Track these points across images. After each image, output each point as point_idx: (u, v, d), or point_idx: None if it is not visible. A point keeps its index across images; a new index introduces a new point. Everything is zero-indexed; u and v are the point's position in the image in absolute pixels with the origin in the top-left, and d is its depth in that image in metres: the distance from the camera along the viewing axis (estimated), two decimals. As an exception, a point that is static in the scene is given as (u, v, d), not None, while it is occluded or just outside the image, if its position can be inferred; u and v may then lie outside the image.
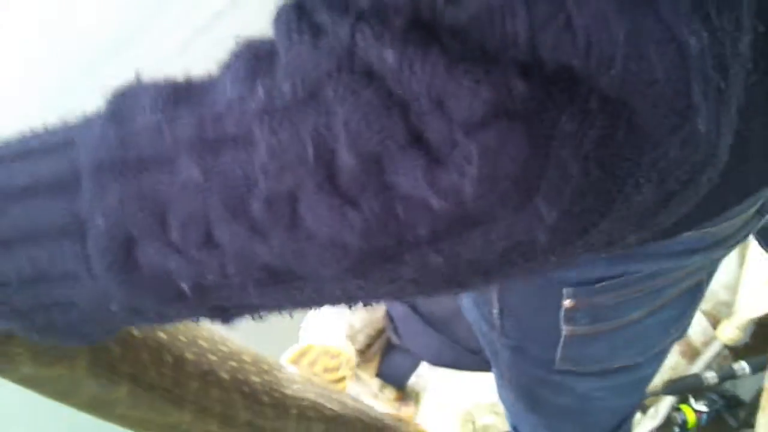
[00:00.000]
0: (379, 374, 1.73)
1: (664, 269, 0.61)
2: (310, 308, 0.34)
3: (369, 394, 1.68)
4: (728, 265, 1.58)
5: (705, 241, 0.58)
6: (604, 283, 0.61)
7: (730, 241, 0.61)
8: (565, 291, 0.63)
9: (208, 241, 0.30)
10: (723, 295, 1.57)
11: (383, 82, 0.26)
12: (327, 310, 1.43)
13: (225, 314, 0.35)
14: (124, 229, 0.30)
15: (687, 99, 0.25)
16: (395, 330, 1.71)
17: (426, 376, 1.71)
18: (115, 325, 0.38)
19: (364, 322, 1.74)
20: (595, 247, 0.30)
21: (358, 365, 1.72)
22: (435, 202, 0.26)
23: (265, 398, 0.58)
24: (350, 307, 0.34)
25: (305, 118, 0.27)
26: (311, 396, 0.62)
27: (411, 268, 0.29)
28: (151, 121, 0.30)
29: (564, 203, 0.26)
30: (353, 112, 0.26)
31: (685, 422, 1.46)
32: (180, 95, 0.30)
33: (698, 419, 1.46)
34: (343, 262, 0.29)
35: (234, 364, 0.56)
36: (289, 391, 0.60)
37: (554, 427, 0.91)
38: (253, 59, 0.29)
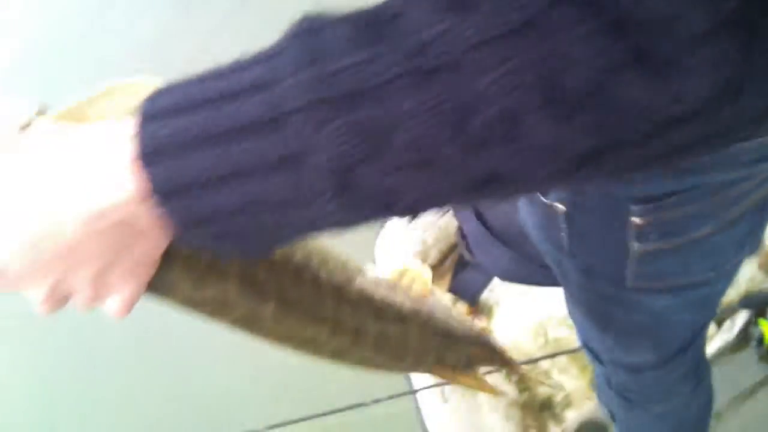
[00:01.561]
0: (452, 289, 1.76)
1: (732, 179, 0.61)
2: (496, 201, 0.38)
3: (442, 308, 1.72)
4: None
5: None
6: (671, 198, 0.61)
7: None
8: (632, 208, 0.63)
9: (429, 160, 0.33)
10: (806, 208, 1.52)
11: (604, 9, 0.28)
12: (399, 227, 1.46)
13: (413, 214, 0.38)
14: (343, 158, 0.33)
15: None
16: (467, 246, 1.73)
17: (498, 290, 1.73)
18: (305, 238, 0.41)
19: (437, 238, 1.77)
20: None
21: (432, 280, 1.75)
22: (660, 109, 0.30)
23: (389, 313, 0.64)
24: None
25: (525, 45, 0.29)
26: (424, 313, 0.68)
27: (617, 164, 0.33)
28: (356, 58, 0.32)
29: (766, 94, 0.31)
30: (579, 37, 0.29)
31: (762, 337, 1.44)
32: (373, 30, 0.32)
33: (776, 333, 1.44)
34: (560, 164, 0.32)
35: (360, 282, 0.61)
36: (405, 308, 0.65)
37: (627, 344, 0.92)
38: None
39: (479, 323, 1.72)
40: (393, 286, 0.67)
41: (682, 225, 0.64)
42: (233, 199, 0.36)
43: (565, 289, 0.91)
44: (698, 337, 0.95)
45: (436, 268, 1.77)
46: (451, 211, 1.74)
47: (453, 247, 1.80)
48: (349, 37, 0.33)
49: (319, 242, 0.58)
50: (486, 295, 1.75)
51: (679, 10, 0.28)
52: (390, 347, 0.65)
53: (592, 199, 0.66)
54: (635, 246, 0.66)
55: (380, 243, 1.73)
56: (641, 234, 0.65)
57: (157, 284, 0.47)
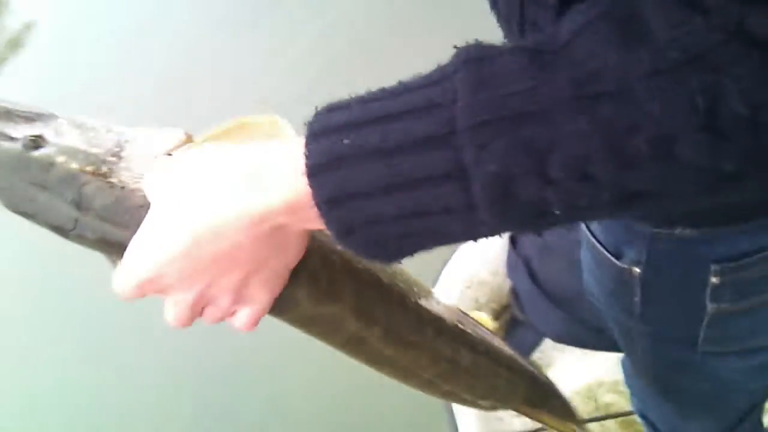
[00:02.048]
0: (503, 348, 1.77)
1: None
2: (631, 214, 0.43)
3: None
4: None
5: None
6: (753, 256, 0.63)
7: None
8: (712, 267, 0.65)
9: (585, 176, 0.37)
10: None
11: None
12: (453, 285, 1.48)
13: (560, 226, 0.41)
14: (507, 172, 0.37)
15: None
16: (520, 306, 1.75)
17: (550, 351, 1.74)
18: (445, 244, 0.44)
19: (490, 297, 1.79)
20: None
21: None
22: None
23: (481, 345, 0.66)
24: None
25: (693, 76, 0.34)
26: (496, 344, 0.70)
27: (750, 184, 0.38)
28: (525, 83, 0.37)
29: None
30: (746, 71, 0.34)
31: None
32: (542, 57, 0.37)
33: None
34: (707, 183, 0.37)
35: (453, 315, 0.63)
36: (490, 343, 0.68)
37: (687, 413, 0.92)
38: (616, 25, 0.36)
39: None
40: (472, 320, 0.68)
41: (757, 285, 0.66)
42: (394, 209, 0.40)
43: (628, 355, 0.92)
44: (757, 409, 0.95)
45: (488, 326, 1.79)
46: (504, 271, 1.77)
47: (505, 308, 1.82)
48: (518, 64, 0.37)
49: (411, 272, 0.60)
50: (537, 356, 1.76)
51: None
52: (480, 380, 0.67)
53: (671, 262, 0.68)
54: (711, 307, 0.68)
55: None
56: (718, 294, 0.67)
57: (281, 298, 0.50)
